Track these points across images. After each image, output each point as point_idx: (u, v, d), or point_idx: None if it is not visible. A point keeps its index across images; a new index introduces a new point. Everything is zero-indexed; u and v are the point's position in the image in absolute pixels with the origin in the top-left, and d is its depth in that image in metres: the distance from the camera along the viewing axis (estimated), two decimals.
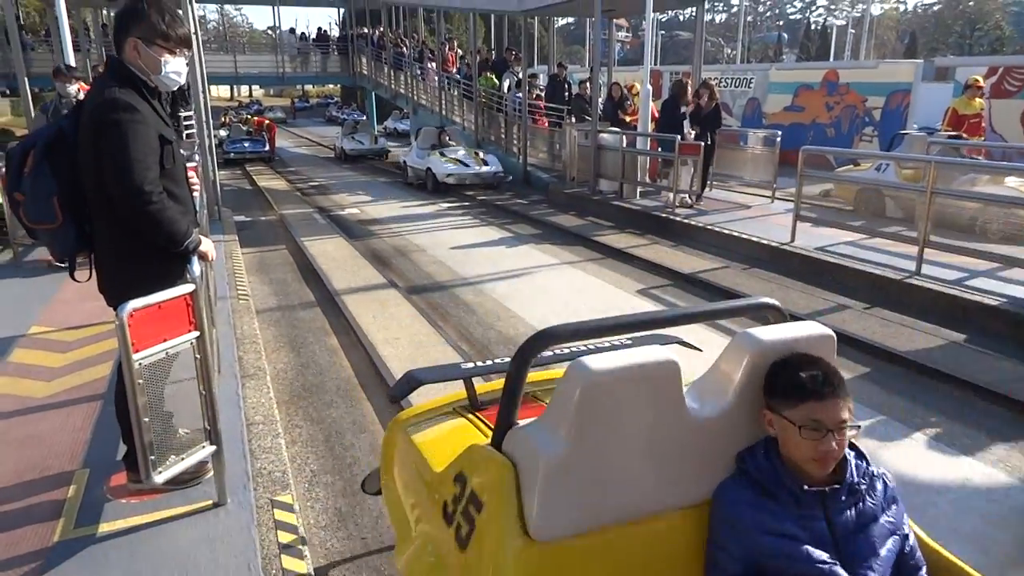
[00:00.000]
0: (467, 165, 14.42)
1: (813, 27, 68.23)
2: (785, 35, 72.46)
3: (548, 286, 7.40)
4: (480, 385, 2.63)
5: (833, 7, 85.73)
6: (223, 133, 25.22)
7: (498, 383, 2.30)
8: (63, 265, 3.05)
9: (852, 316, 6.22)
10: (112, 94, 2.66)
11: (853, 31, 45.15)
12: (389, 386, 4.82)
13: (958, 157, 9.12)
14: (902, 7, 78.33)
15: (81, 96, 6.49)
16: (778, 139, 11.09)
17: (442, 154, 14.59)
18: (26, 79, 9.39)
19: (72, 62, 8.00)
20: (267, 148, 22.94)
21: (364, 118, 27.69)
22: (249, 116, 30.05)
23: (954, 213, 7.47)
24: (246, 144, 22.85)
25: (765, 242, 8.34)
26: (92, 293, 2.91)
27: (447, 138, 15.34)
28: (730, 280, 7.38)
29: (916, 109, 14.04)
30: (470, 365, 2.70)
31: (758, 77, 17.90)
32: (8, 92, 22.49)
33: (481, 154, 14.99)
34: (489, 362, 2.74)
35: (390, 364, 5.25)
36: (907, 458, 3.91)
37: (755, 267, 7.92)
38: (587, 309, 6.55)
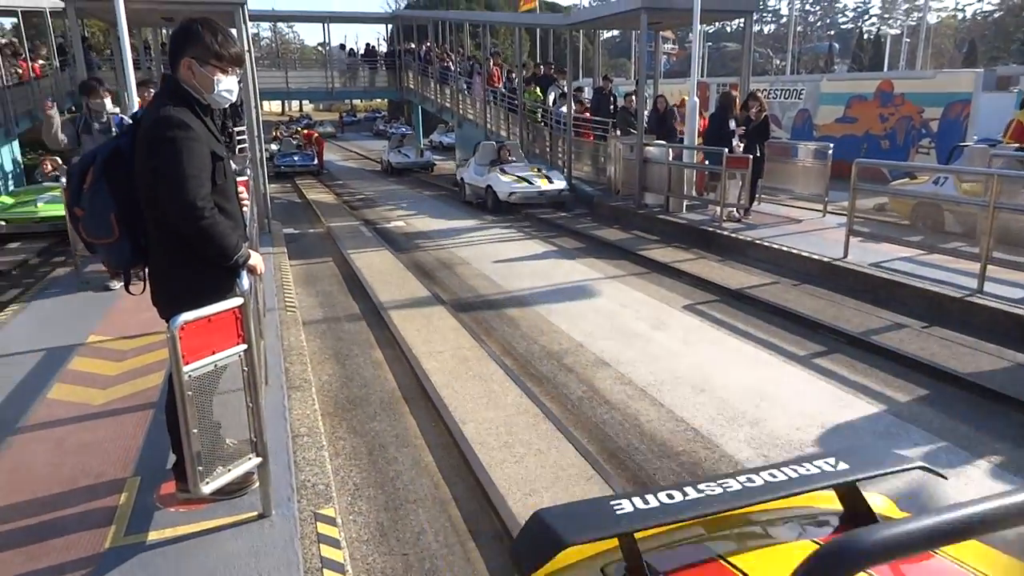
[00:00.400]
0: (531, 183, 13.41)
1: (866, 37, 66.66)
2: (836, 45, 70.97)
3: (592, 301, 7.34)
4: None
5: (887, 16, 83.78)
6: (274, 147, 25.83)
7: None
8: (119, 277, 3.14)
9: (909, 335, 5.99)
10: (167, 112, 2.73)
11: (908, 40, 43.98)
12: (432, 400, 4.83)
13: (1023, 170, 8.75)
14: (960, 15, 75.96)
15: (112, 108, 6.71)
16: (830, 151, 10.81)
17: (503, 171, 13.70)
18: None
19: (132, 80, 8.29)
20: (316, 161, 23.55)
21: (411, 132, 28.07)
22: (299, 130, 30.71)
23: (1019, 228, 7.15)
24: (296, 158, 23.52)
25: (816, 257, 8.13)
26: (148, 303, 2.98)
27: (507, 153, 14.34)
28: (780, 296, 7.20)
29: (976, 120, 13.55)
30: (628, 508, 1.24)
31: (808, 88, 17.54)
32: (75, 109, 23.48)
33: (543, 170, 14.08)
34: (665, 496, 1.27)
35: (433, 378, 5.25)
36: (970, 488, 3.73)
37: (806, 283, 7.72)
38: (632, 324, 6.47)
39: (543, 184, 13.45)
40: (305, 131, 28.83)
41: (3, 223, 10.60)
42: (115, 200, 2.83)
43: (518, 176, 13.68)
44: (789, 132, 17.46)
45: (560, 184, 13.60)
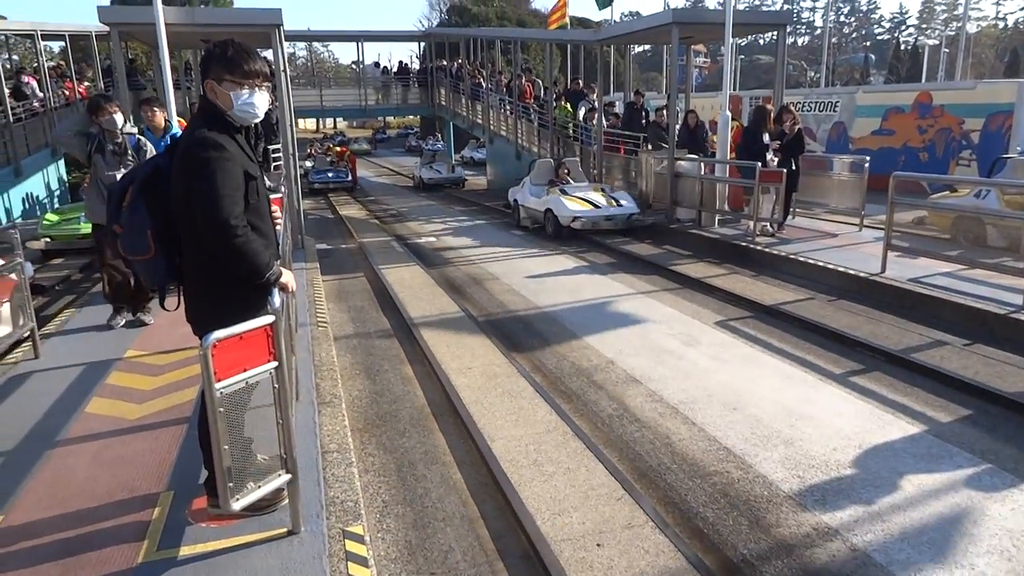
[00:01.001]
0: (597, 206, 11.79)
1: (903, 47, 65.56)
2: (872, 56, 69.92)
3: (623, 317, 7.28)
4: None
5: (925, 26, 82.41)
6: (308, 164, 26.33)
7: None
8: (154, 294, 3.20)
9: (951, 353, 5.82)
10: (202, 133, 2.79)
11: (947, 50, 43.14)
12: (462, 417, 4.83)
13: None
14: (1001, 24, 74.31)
15: (129, 128, 6.23)
16: (866, 164, 10.62)
17: (563, 191, 12.21)
18: (131, 116, 10.06)
19: (172, 101, 8.52)
20: (350, 178, 24.08)
21: (442, 148, 28.57)
22: (332, 146, 31.14)
23: None
24: (330, 174, 24.03)
25: (853, 272, 7.96)
26: (183, 319, 3.04)
27: (566, 172, 12.96)
28: (815, 313, 7.06)
29: (1019, 132, 13.19)
30: None
31: (844, 100, 17.29)
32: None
33: (608, 190, 12.59)
34: None
35: (463, 394, 5.25)
36: (1017, 512, 3.58)
37: (842, 299, 7.56)
38: (663, 341, 6.39)
39: (610, 206, 11.85)
40: (339, 148, 29.29)
41: (48, 240, 10.92)
42: (152, 218, 2.89)
43: (582, 198, 12.05)
44: (824, 145, 17.22)
45: (630, 207, 11.93)
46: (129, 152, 5.82)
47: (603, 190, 12.56)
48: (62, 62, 20.51)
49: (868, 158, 10.97)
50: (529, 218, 13.17)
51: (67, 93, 18.17)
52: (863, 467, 4.05)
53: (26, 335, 5.52)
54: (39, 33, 16.90)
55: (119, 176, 4.90)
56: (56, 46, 27.11)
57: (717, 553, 3.33)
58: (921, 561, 3.18)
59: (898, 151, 15.36)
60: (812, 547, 3.33)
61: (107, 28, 9.71)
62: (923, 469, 4.01)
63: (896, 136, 15.62)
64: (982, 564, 3.16)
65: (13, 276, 5.43)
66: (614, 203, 11.96)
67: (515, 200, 13.79)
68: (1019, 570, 3.11)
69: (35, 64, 18.66)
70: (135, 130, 6.02)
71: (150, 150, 5.93)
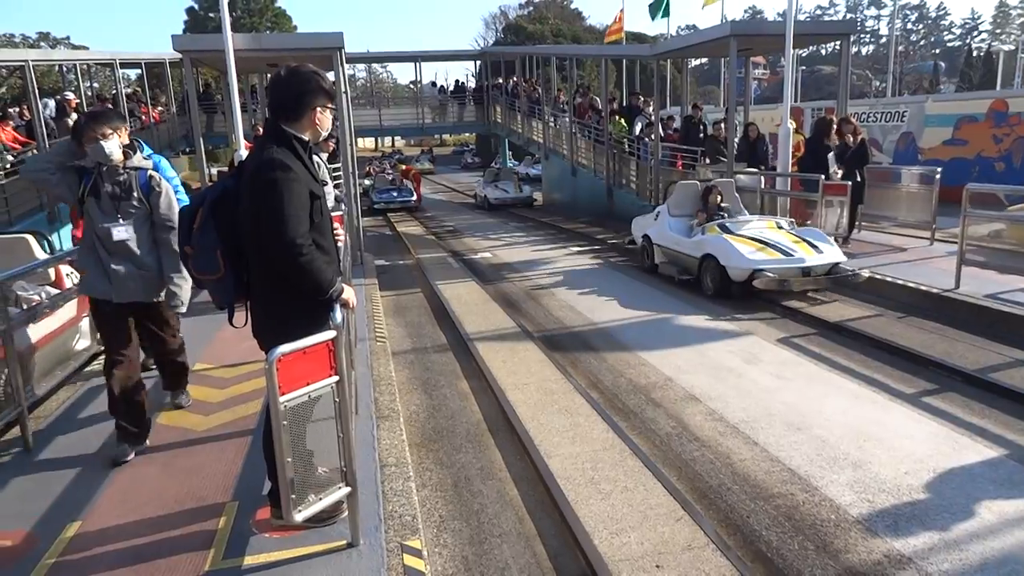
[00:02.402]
0: (787, 252, 7.98)
1: (975, 54, 63.04)
2: (942, 64, 67.39)
3: (682, 333, 7.16)
4: None
5: (999, 31, 79.11)
6: (367, 182, 26.33)
7: None
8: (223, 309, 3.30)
9: None
10: (271, 155, 2.89)
11: (1023, 56, 41.24)
12: (518, 433, 4.82)
13: None
14: None
15: (138, 162, 4.15)
16: (937, 175, 10.21)
17: (724, 228, 8.65)
18: (201, 139, 10.52)
19: (240, 122, 8.86)
20: (414, 197, 23.40)
21: (508, 165, 27.64)
22: (397, 164, 31.12)
23: None
24: (394, 193, 23.42)
25: (924, 288, 7.64)
26: (248, 333, 3.14)
27: (719, 199, 9.28)
28: (883, 330, 6.80)
29: None
30: None
31: (912, 110, 16.71)
32: (189, 150, 25.26)
33: (786, 225, 8.88)
34: None
35: (519, 410, 5.25)
36: None
37: (912, 315, 7.26)
38: (723, 358, 6.25)
39: (807, 254, 8.11)
40: (403, 167, 28.69)
41: None
42: (221, 238, 3.00)
43: (756, 239, 8.31)
44: (891, 157, 16.66)
45: (833, 253, 8.27)
46: (136, 194, 4.03)
47: (780, 226, 8.88)
48: (138, 88, 21.61)
49: (939, 169, 10.55)
50: (672, 264, 9.57)
51: (143, 118, 19.12)
52: (937, 492, 3.86)
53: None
54: (118, 62, 17.87)
55: (120, 231, 3.97)
56: (133, 74, 28.59)
57: None
58: None
59: (971, 162, 14.73)
60: (883, 575, 3.18)
61: (180, 55, 10.20)
62: (1003, 496, 3.80)
63: (969, 146, 14.99)
64: None
65: None
66: (809, 248, 8.24)
67: (646, 236, 10.23)
68: None
69: (114, 91, 19.70)
70: (148, 163, 4.19)
71: (166, 191, 4.15)
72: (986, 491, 3.85)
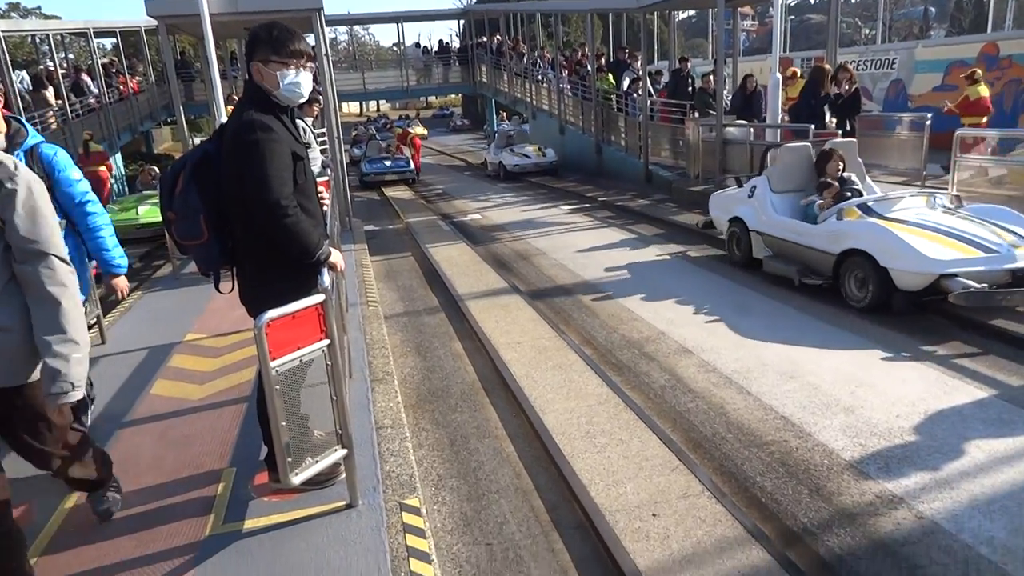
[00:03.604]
0: (986, 248, 5.51)
1: None
2: (932, 9, 66.51)
3: (673, 288, 7.16)
4: None
5: None
6: (356, 151, 24.26)
7: None
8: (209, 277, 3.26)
9: None
10: (249, 116, 2.82)
11: None
12: (513, 391, 4.84)
13: None
14: None
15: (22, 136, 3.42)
16: (928, 122, 10.14)
17: (869, 210, 6.25)
18: (181, 108, 10.32)
19: (220, 90, 8.68)
20: (412, 167, 19.96)
21: (525, 127, 22.41)
22: (389, 126, 26.80)
23: None
24: (388, 163, 20.02)
25: None
26: (239, 301, 3.11)
27: (841, 167, 6.87)
28: None
29: None
30: None
31: (902, 57, 16.53)
32: (169, 120, 24.84)
33: (946, 201, 6.52)
34: None
35: (513, 368, 5.26)
36: None
37: None
38: (715, 310, 6.27)
39: (538, 157, 11.50)
40: (399, 131, 24.73)
41: None
42: (204, 203, 2.94)
43: (928, 227, 5.86)
44: (881, 105, 16.53)
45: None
46: (16, 172, 2.36)
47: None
48: (114, 58, 21.12)
49: (930, 116, 10.48)
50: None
51: (121, 88, 18.73)
52: (929, 434, 3.91)
53: (93, 321, 5.74)
54: (92, 31, 17.43)
55: None
56: (108, 43, 27.95)
57: (776, 522, 3.27)
58: (993, 529, 3.07)
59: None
60: (876, 515, 3.24)
61: (155, 22, 9.93)
62: (993, 435, 3.85)
63: (959, 92, 14.87)
64: None
65: None
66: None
67: (737, 221, 7.76)
68: None
69: (89, 62, 19.26)
70: (36, 139, 3.45)
71: (27, 192, 2.36)
72: (976, 431, 3.90)
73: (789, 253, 6.91)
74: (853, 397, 4.41)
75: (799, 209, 6.98)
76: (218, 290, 3.17)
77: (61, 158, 3.32)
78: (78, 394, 2.38)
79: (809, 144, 7.46)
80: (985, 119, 10.51)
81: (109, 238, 3.59)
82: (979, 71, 10.84)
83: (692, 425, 4.26)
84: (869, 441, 3.88)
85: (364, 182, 19.36)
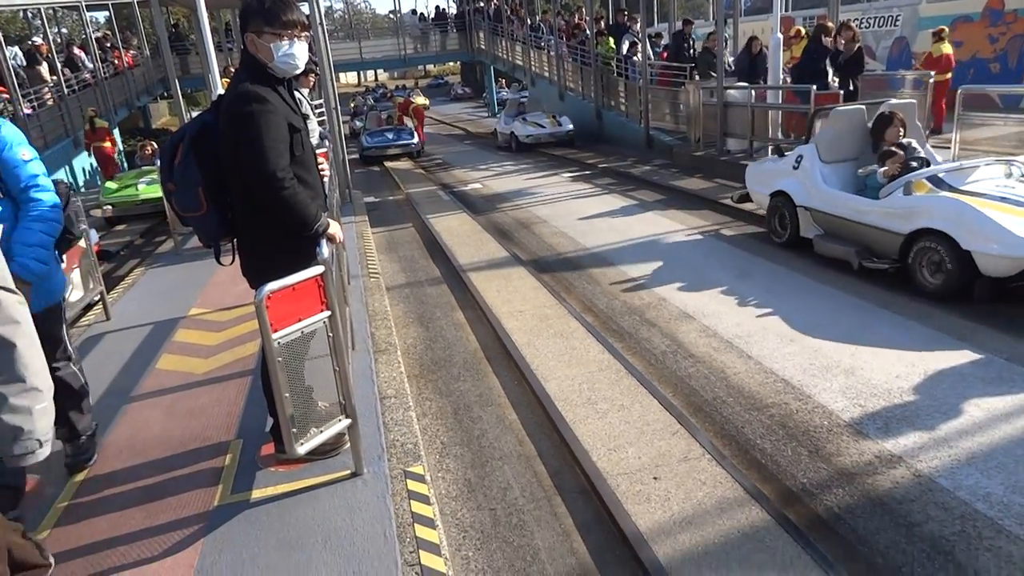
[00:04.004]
0: None
1: None
2: None
3: (674, 253, 7.16)
4: None
5: None
6: (357, 124, 23.56)
7: None
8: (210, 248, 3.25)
9: None
10: (244, 87, 2.80)
11: None
12: (515, 359, 4.88)
13: None
14: None
15: None
16: (931, 80, 10.01)
17: (939, 182, 5.53)
18: (176, 81, 10.23)
19: (215, 63, 8.59)
20: (415, 140, 18.52)
21: (524, 94, 21.10)
22: (389, 96, 24.88)
23: None
24: (390, 135, 18.63)
25: None
26: (242, 276, 3.12)
27: (901, 132, 6.15)
28: None
29: None
30: None
31: (905, 13, 16.22)
32: (165, 95, 24.63)
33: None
34: None
35: (515, 337, 5.29)
36: None
37: None
38: (716, 275, 6.27)
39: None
40: (400, 100, 22.91)
41: (109, 207, 11.33)
42: (202, 174, 2.94)
43: (534, 123, 11.24)
44: (884, 64, 16.27)
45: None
46: None
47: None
48: (108, 32, 20.88)
49: (932, 73, 10.34)
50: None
51: (116, 62, 18.55)
52: (928, 393, 3.93)
53: (96, 298, 5.78)
54: (84, 4, 17.19)
55: None
56: (102, 16, 27.58)
57: (776, 483, 3.32)
58: (990, 486, 3.10)
59: (966, 64, 14.39)
60: (874, 474, 3.28)
61: None
62: (992, 393, 3.87)
63: (964, 48, 14.61)
64: None
65: (80, 243, 5.66)
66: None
67: (781, 194, 6.93)
68: None
69: (83, 35, 19.02)
70: None
71: None
72: (975, 389, 3.93)
73: (845, 232, 6.11)
74: (853, 359, 4.44)
75: (855, 180, 6.21)
76: (219, 262, 3.18)
77: (7, 133, 2.97)
78: (46, 451, 1.95)
79: (863, 107, 6.67)
80: (949, 74, 11.07)
81: (41, 235, 2.94)
82: (946, 29, 11.55)
83: (693, 389, 4.29)
84: (869, 402, 3.91)
85: (365, 157, 18.09)
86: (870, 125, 6.36)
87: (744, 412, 3.97)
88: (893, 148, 6.00)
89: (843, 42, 9.83)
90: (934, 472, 3.24)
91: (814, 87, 9.40)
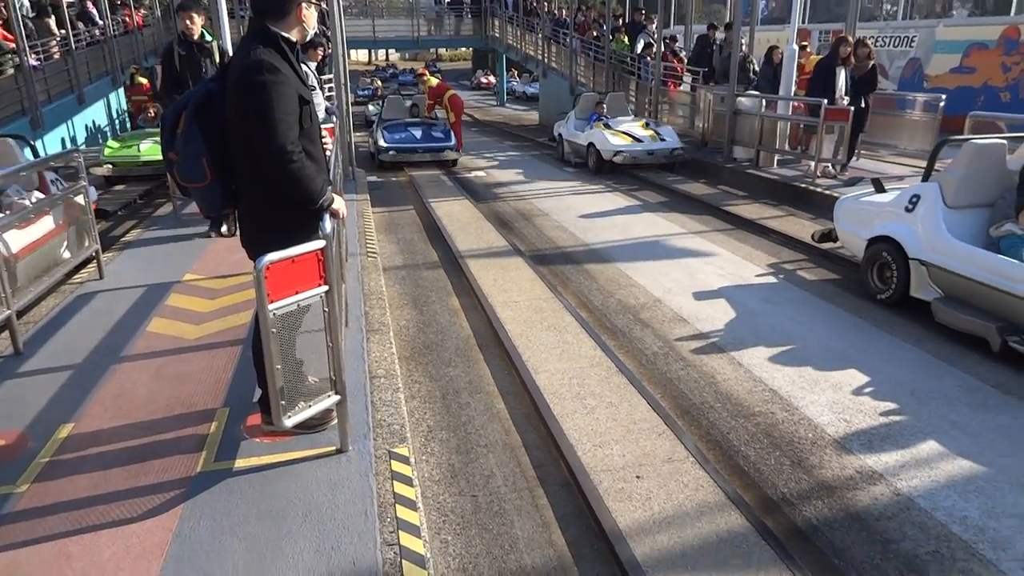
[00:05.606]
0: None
1: None
2: None
3: (673, 256, 7.16)
4: None
5: None
6: (372, 108, 20.73)
7: None
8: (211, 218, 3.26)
9: None
10: (257, 55, 2.77)
11: None
12: (507, 349, 4.88)
13: None
14: None
15: None
16: (941, 103, 10.02)
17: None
18: None
19: (227, 30, 8.52)
20: (452, 141, 13.35)
21: (535, 85, 18.25)
22: (427, 77, 15.71)
23: None
24: (416, 133, 13.46)
25: None
26: (239, 244, 3.11)
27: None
28: None
29: None
30: None
31: (922, 35, 16.22)
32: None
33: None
34: None
35: (508, 327, 5.29)
36: None
37: None
38: (713, 281, 6.28)
39: (653, 140, 11.75)
40: (433, 81, 15.49)
41: (109, 166, 11.25)
42: (207, 144, 2.92)
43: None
44: (896, 83, 16.28)
45: (672, 141, 11.79)
46: None
47: (647, 124, 12.37)
48: None
49: (944, 96, 10.35)
50: (573, 152, 12.96)
51: (127, 21, 18.38)
52: (914, 414, 3.96)
53: (91, 256, 5.75)
54: None
55: None
56: None
57: (757, 490, 3.34)
58: (968, 509, 3.13)
59: (977, 91, 14.41)
60: (854, 489, 3.30)
61: None
62: (977, 418, 3.90)
63: (976, 74, 14.63)
64: None
65: (79, 200, 5.62)
66: (657, 137, 11.78)
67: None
68: None
69: None
70: None
71: None
72: (961, 414, 3.95)
73: (978, 299, 4.86)
74: (843, 374, 4.46)
75: (986, 237, 5.07)
76: (220, 232, 3.17)
77: None
78: None
79: (1004, 143, 5.36)
80: None
81: None
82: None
83: (681, 392, 4.31)
84: (855, 418, 3.94)
85: (381, 161, 13.15)
86: (1021, 166, 5.01)
87: (730, 418, 3.98)
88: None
89: (861, 59, 9.81)
90: (913, 491, 3.27)
91: (825, 100, 9.40)
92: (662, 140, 11.69)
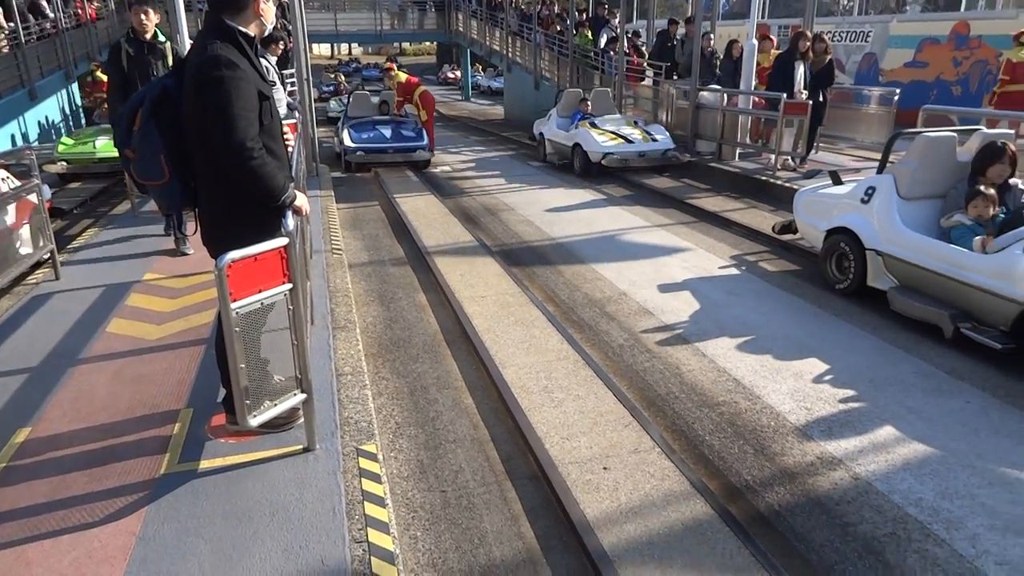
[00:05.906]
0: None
1: None
2: None
3: (638, 250, 7.24)
4: None
5: None
6: (334, 104, 20.51)
7: None
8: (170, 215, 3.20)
9: None
10: (215, 51, 2.73)
11: None
12: (474, 344, 4.89)
13: None
14: None
15: None
16: (895, 97, 10.28)
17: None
18: None
19: (184, 22, 8.35)
20: (424, 141, 12.43)
21: (499, 80, 17.32)
22: (388, 69, 14.47)
23: None
24: (385, 133, 12.58)
25: None
26: (200, 243, 3.05)
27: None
28: None
29: None
30: None
31: (877, 30, 16.60)
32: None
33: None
34: None
35: (475, 322, 5.30)
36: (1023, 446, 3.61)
37: None
38: (677, 274, 6.37)
39: (645, 141, 10.99)
40: (402, 77, 13.83)
41: (64, 163, 10.95)
42: (164, 141, 2.87)
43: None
44: (852, 78, 16.64)
45: (665, 142, 11.05)
46: None
47: (636, 123, 11.69)
48: None
49: (898, 91, 10.62)
50: (556, 153, 12.20)
51: (79, 14, 17.88)
52: (871, 401, 4.07)
53: (46, 257, 5.60)
54: None
55: None
56: None
57: (721, 479, 3.41)
58: (922, 491, 3.24)
59: (930, 85, 14.81)
60: (815, 475, 3.39)
61: None
62: (932, 403, 4.03)
63: (929, 69, 15.03)
64: (983, 495, 3.20)
65: (32, 198, 5.47)
66: (648, 138, 11.09)
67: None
68: (1018, 500, 3.16)
69: None
70: None
71: None
72: (916, 399, 4.08)
73: (932, 288, 4.99)
74: (804, 363, 4.56)
75: (937, 227, 5.18)
76: (170, 232, 3.11)
77: None
78: None
79: (955, 135, 5.50)
80: None
81: None
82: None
83: (647, 384, 4.37)
84: (815, 405, 4.04)
85: (348, 163, 12.27)
86: (972, 157, 5.18)
87: (695, 408, 4.05)
88: (988, 189, 4.91)
89: (818, 54, 10.00)
90: (871, 476, 3.37)
91: (784, 95, 9.57)
92: (654, 140, 11.02)
